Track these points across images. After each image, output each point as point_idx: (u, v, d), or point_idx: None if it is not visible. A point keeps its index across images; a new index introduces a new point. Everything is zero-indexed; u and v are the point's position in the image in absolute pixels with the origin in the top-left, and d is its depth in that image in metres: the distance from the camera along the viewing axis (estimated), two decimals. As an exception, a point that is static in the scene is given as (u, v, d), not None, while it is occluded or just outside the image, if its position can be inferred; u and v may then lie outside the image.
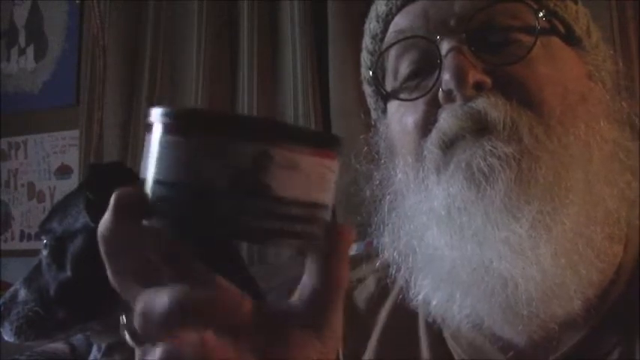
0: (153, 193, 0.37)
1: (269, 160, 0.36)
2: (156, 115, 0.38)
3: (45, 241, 1.10)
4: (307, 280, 0.40)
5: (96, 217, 1.06)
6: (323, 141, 0.39)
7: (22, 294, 1.11)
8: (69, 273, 1.07)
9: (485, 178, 0.57)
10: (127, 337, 0.40)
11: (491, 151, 0.58)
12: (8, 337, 1.10)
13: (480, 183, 0.58)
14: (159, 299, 0.37)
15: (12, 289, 1.13)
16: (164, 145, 0.37)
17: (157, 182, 0.37)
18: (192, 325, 0.37)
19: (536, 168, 0.58)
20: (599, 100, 0.65)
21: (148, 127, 0.38)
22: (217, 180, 0.36)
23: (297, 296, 0.41)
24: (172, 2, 2.10)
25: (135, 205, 0.38)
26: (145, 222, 0.37)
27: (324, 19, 1.87)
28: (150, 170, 0.38)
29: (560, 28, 0.65)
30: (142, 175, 0.38)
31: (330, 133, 0.40)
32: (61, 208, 1.13)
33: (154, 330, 0.37)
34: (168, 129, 0.37)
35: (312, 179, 0.38)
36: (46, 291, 1.09)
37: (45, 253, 1.10)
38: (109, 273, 0.40)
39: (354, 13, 1.80)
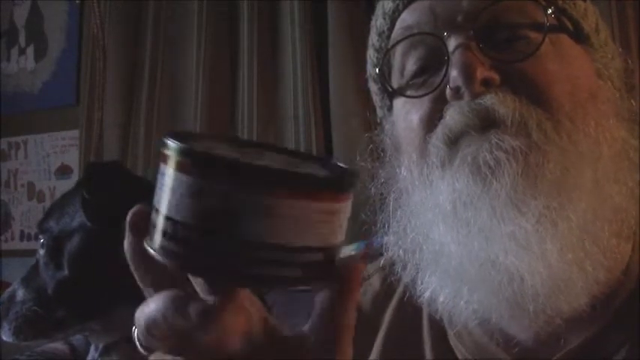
0: (176, 230, 0.38)
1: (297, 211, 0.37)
2: (185, 152, 0.38)
3: (42, 240, 1.10)
4: (320, 311, 0.42)
5: (92, 217, 1.05)
6: (341, 185, 0.40)
7: (20, 294, 1.10)
8: (66, 272, 1.07)
9: (492, 171, 0.57)
10: (138, 345, 0.42)
11: (497, 144, 0.57)
12: (7, 337, 1.09)
13: (486, 177, 0.57)
14: (144, 308, 0.40)
15: (10, 288, 1.13)
16: (191, 188, 0.37)
17: (178, 222, 0.38)
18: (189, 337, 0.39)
19: (544, 163, 0.57)
20: (608, 98, 0.64)
21: (180, 165, 0.38)
22: (248, 230, 0.37)
23: (312, 324, 0.43)
24: (172, 2, 2.10)
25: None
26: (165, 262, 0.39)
27: (324, 19, 1.87)
28: (180, 211, 0.38)
29: (569, 25, 0.64)
30: (164, 209, 0.39)
31: (347, 174, 0.41)
32: (58, 207, 1.12)
33: (145, 338, 0.40)
34: (200, 173, 0.37)
35: (341, 220, 0.40)
36: (44, 290, 1.08)
37: (42, 252, 1.10)
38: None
39: (354, 13, 1.80)
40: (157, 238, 0.39)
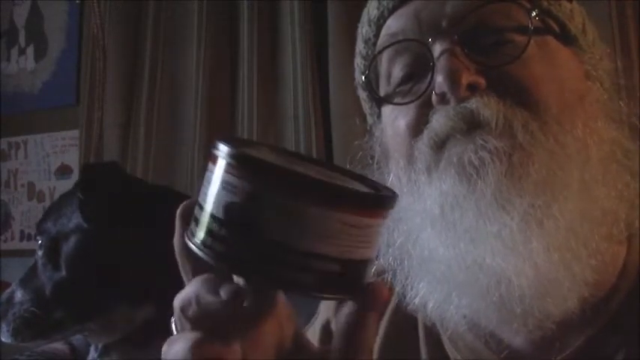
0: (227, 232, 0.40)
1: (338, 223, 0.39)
2: (256, 166, 0.40)
3: (40, 241, 1.11)
4: (342, 328, 0.44)
5: (89, 218, 1.06)
6: (380, 203, 0.42)
7: (19, 295, 1.11)
8: (64, 273, 1.07)
9: (476, 171, 0.57)
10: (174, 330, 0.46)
11: (482, 144, 0.57)
12: (5, 339, 1.10)
13: (471, 176, 0.57)
14: (180, 292, 0.44)
15: (9, 290, 1.13)
16: (252, 194, 0.39)
17: (220, 220, 0.40)
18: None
19: (528, 163, 0.57)
20: (597, 99, 0.64)
21: (229, 167, 0.40)
22: (296, 240, 0.39)
23: (335, 341, 0.44)
24: (172, 2, 2.10)
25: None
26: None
27: (324, 19, 1.87)
28: (231, 213, 0.40)
29: (555, 27, 0.64)
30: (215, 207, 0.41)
31: (387, 195, 0.44)
32: (55, 209, 1.13)
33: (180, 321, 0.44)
34: (264, 184, 0.39)
35: (369, 237, 0.41)
36: (42, 291, 1.09)
37: (40, 253, 1.10)
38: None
39: (354, 13, 1.80)
40: (200, 233, 0.42)
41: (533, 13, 0.62)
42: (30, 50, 2.47)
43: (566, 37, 0.64)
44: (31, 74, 2.45)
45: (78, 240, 1.07)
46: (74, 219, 1.08)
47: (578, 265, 0.58)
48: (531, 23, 0.61)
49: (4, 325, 1.09)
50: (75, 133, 2.28)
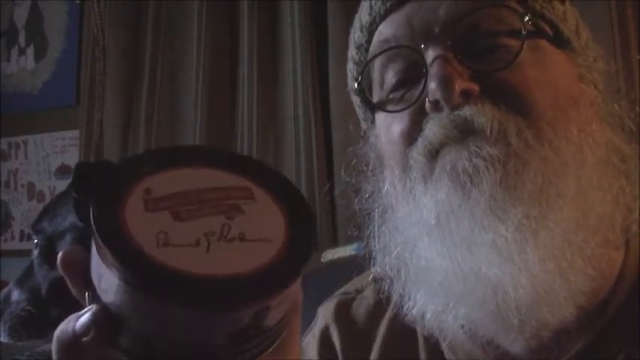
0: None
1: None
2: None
3: (36, 240, 1.11)
4: None
5: (83, 217, 1.06)
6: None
7: (15, 294, 1.11)
8: (59, 272, 1.07)
9: (470, 179, 0.56)
10: None
11: (476, 151, 0.56)
12: (2, 338, 1.10)
13: (465, 184, 0.56)
14: None
15: (5, 289, 1.14)
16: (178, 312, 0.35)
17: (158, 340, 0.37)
18: None
19: (523, 171, 0.56)
20: (591, 102, 0.63)
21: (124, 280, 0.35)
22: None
23: None
24: (172, 2, 2.09)
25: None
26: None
27: (324, 19, 1.87)
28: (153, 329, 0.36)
29: (548, 30, 0.63)
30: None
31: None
32: (51, 208, 1.13)
33: None
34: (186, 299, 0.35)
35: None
36: (38, 291, 1.09)
37: (36, 253, 1.10)
38: None
39: (354, 14, 1.79)
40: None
41: (526, 18, 0.61)
42: (30, 50, 2.47)
43: (560, 40, 0.63)
44: (31, 74, 2.46)
45: (73, 239, 1.07)
46: (69, 218, 1.08)
47: (574, 275, 0.57)
48: (524, 27, 0.60)
49: (1, 325, 1.09)
50: (75, 133, 2.29)
